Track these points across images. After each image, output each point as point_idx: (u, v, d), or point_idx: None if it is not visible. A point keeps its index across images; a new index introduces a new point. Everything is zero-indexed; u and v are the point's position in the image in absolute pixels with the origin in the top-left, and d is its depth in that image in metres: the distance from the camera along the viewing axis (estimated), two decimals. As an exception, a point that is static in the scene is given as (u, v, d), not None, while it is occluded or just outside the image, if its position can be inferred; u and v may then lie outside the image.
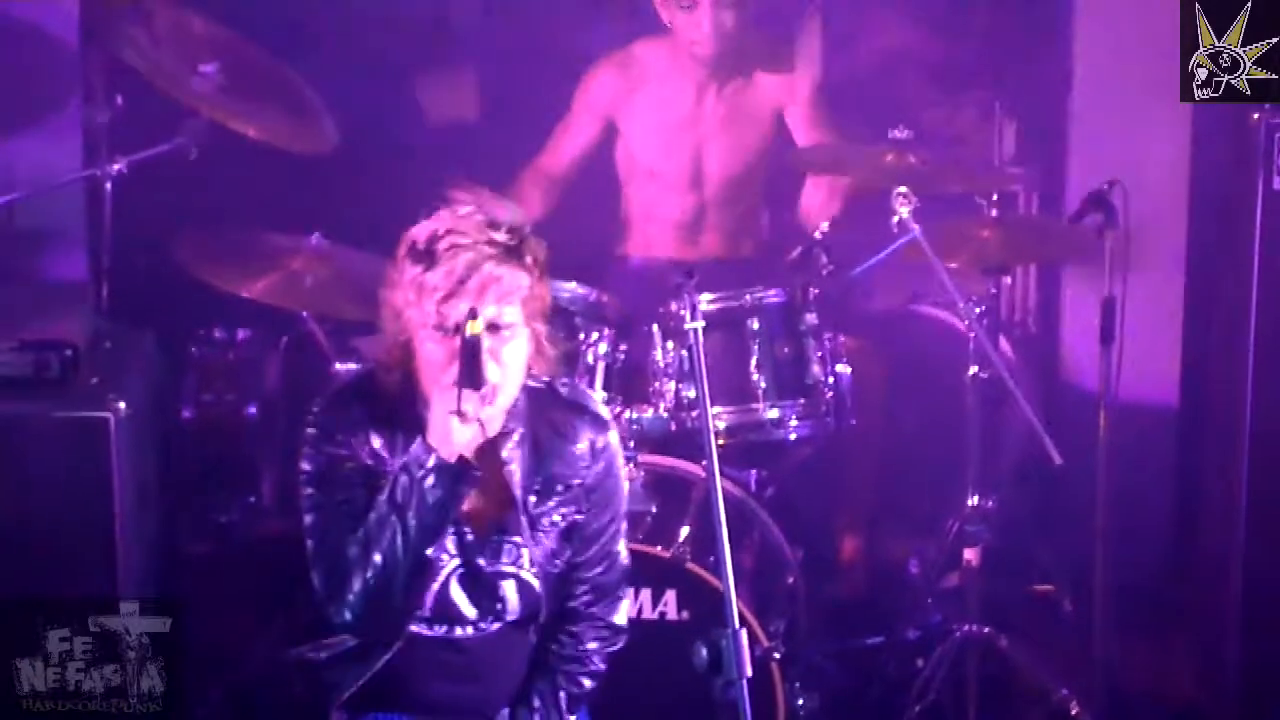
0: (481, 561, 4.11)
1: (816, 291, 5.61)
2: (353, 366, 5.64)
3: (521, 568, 4.13)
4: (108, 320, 5.65)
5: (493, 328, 3.94)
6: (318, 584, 4.03)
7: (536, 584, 4.14)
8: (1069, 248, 6.05)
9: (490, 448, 4.06)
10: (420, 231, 3.99)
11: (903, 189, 5.47)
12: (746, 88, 6.41)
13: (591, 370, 5.51)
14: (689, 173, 6.44)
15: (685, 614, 5.16)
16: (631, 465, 5.36)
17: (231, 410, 6.16)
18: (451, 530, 4.08)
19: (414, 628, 4.13)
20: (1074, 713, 5.60)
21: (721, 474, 3.98)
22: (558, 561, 4.17)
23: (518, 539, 4.12)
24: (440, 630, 4.15)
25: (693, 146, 6.42)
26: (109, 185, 5.76)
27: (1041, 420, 5.38)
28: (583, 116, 6.48)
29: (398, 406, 4.07)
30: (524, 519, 4.12)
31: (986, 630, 5.63)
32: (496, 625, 4.15)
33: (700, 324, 4.11)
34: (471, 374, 3.90)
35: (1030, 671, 5.67)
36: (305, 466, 4.09)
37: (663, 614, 5.16)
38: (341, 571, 3.99)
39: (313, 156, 6.01)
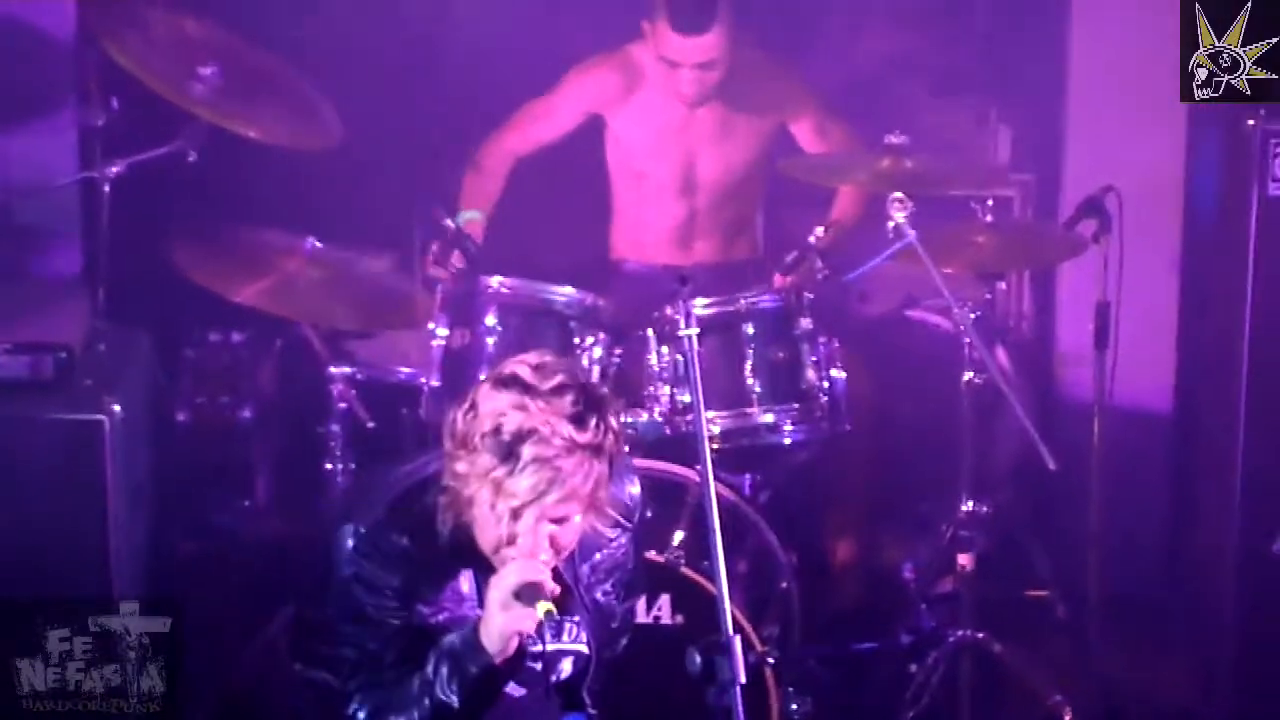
0: (542, 647, 3.93)
1: (811, 296, 5.60)
2: (347, 370, 5.64)
3: (580, 642, 4.08)
4: (103, 322, 5.63)
5: (559, 520, 3.86)
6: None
7: (587, 650, 4.09)
8: (1064, 253, 6.04)
9: None
10: (505, 419, 3.79)
11: (898, 194, 5.46)
12: (743, 98, 6.35)
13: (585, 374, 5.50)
14: (680, 178, 6.40)
15: (680, 618, 5.17)
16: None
17: (226, 413, 6.15)
18: None
19: None
20: (1067, 718, 5.60)
21: (716, 478, 3.98)
22: (613, 624, 4.18)
23: (577, 617, 4.07)
24: None
25: (684, 153, 6.38)
26: (106, 187, 5.74)
27: (1036, 425, 5.37)
28: (567, 107, 6.41)
29: (446, 552, 3.96)
30: (579, 597, 4.08)
31: (980, 635, 5.63)
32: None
33: (695, 331, 4.13)
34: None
35: (1024, 677, 5.67)
36: (348, 600, 3.94)
37: (657, 618, 5.16)
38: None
39: (313, 158, 5.99)
